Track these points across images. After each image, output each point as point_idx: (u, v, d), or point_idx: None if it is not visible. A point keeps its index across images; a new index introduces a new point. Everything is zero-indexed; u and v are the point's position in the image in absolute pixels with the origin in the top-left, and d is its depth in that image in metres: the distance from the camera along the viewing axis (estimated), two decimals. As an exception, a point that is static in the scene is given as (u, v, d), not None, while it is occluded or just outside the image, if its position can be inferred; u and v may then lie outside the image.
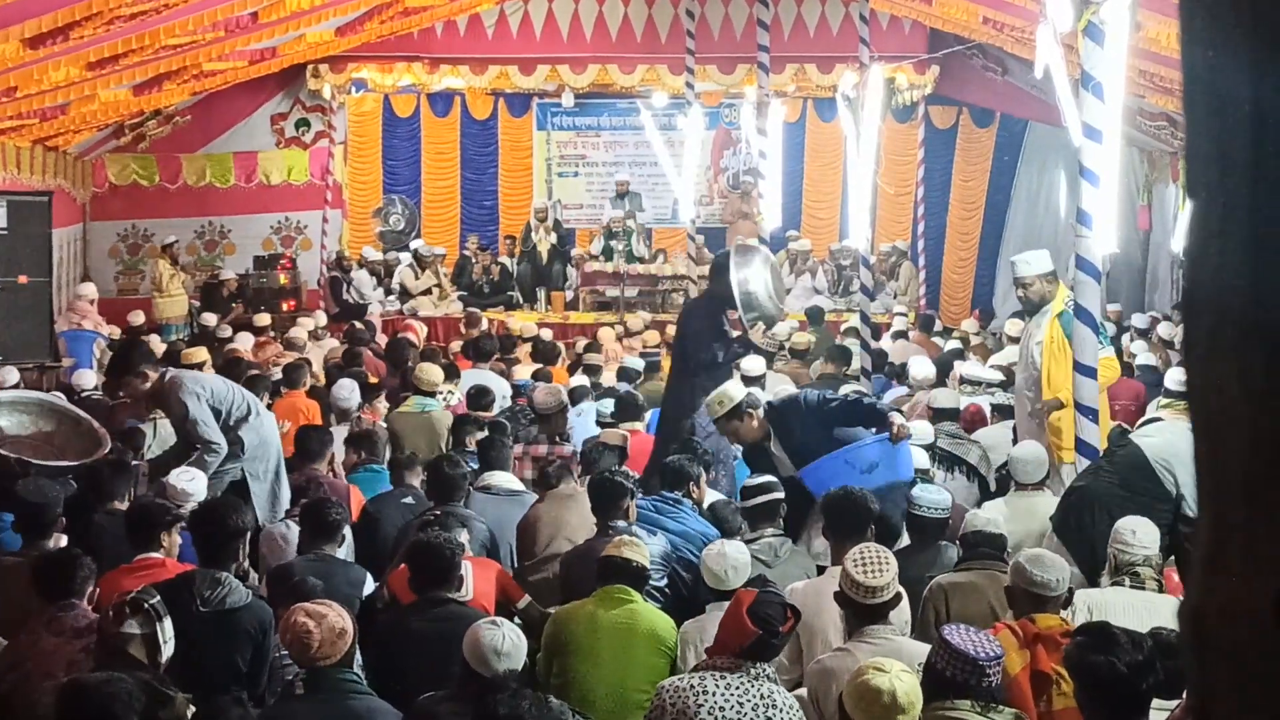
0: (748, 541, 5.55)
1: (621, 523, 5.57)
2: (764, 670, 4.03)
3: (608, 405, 8.58)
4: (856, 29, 12.87)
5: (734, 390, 6.77)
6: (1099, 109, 6.17)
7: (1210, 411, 0.92)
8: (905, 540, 5.87)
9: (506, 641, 4.02)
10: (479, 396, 8.58)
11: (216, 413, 6.56)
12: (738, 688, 3.95)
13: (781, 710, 3.96)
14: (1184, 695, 3.54)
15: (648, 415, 8.82)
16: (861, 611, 4.34)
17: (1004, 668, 4.13)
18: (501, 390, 9.57)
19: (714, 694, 3.92)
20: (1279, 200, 0.84)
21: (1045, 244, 16.64)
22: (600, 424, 8.25)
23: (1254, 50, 0.82)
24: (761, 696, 3.94)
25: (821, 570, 5.48)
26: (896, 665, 3.56)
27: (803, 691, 4.41)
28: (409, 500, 6.37)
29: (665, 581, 5.52)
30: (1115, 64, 6.19)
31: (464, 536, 5.22)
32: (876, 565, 4.32)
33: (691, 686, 3.97)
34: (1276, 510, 0.87)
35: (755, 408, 6.62)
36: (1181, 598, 4.03)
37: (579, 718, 4.12)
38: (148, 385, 6.66)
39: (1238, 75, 0.84)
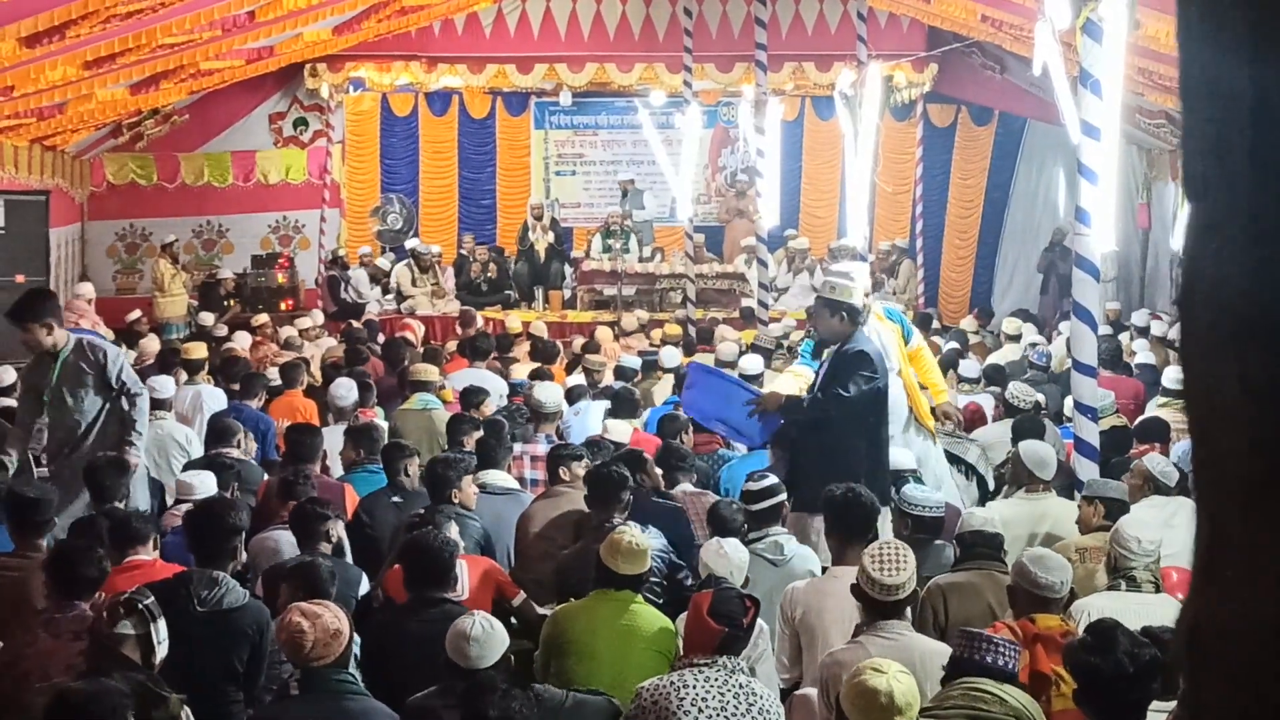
0: (753, 540, 5.51)
1: (617, 517, 5.53)
2: (738, 664, 4.09)
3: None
4: (855, 27, 12.89)
5: (858, 290, 6.52)
6: (1098, 107, 6.16)
7: (1208, 412, 0.87)
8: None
9: (477, 628, 4.01)
10: (470, 396, 8.55)
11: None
12: (716, 680, 3.99)
13: (761, 697, 4.02)
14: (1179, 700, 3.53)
15: (645, 414, 8.83)
16: (878, 607, 4.33)
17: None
18: (498, 389, 9.55)
19: (694, 686, 3.97)
20: (1280, 192, 0.80)
21: (1043, 242, 16.75)
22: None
23: (1254, 37, 0.79)
24: (740, 686, 4.01)
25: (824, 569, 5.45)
26: (894, 666, 3.55)
27: (811, 691, 4.41)
28: (397, 499, 6.35)
29: (663, 574, 5.49)
30: (1114, 62, 6.18)
31: (453, 532, 5.18)
32: (895, 563, 4.32)
33: (671, 683, 4.01)
34: (1278, 517, 0.82)
35: (860, 316, 6.49)
36: (1180, 597, 4.03)
37: (576, 693, 4.11)
38: (50, 339, 6.72)
39: (1237, 64, 0.80)
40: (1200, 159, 0.84)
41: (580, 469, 6.35)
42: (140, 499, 6.65)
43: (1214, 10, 0.82)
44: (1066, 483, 6.72)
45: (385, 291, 15.93)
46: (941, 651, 4.29)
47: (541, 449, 7.49)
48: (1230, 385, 0.83)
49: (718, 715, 3.92)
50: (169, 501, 6.98)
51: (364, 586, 5.42)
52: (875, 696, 3.42)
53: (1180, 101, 0.86)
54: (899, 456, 6.46)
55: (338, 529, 5.58)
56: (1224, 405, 0.84)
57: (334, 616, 4.01)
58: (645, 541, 4.91)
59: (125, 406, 6.83)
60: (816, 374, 6.63)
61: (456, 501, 5.97)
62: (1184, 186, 0.87)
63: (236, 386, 9.18)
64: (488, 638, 4.01)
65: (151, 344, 11.56)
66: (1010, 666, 3.79)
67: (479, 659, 3.97)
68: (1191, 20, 0.84)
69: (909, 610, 4.79)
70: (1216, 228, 0.83)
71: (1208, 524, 0.88)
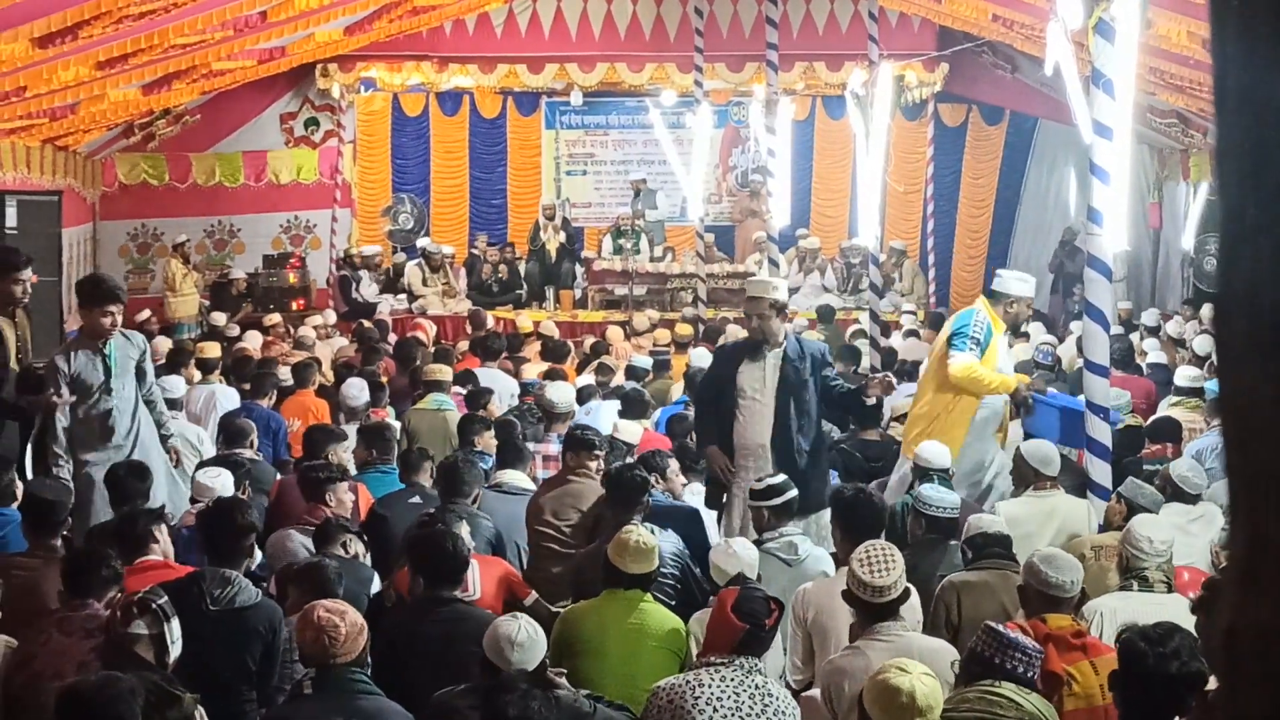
0: (766, 539, 5.50)
1: (636, 519, 5.53)
2: (756, 664, 4.08)
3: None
4: (865, 27, 12.84)
5: (782, 287, 6.92)
6: (1109, 106, 6.14)
7: (1243, 418, 0.87)
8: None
9: (522, 633, 4.00)
10: (476, 397, 8.56)
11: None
12: (732, 680, 3.98)
13: (777, 699, 4.00)
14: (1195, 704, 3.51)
15: (655, 413, 8.83)
16: (870, 610, 4.31)
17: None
18: (509, 389, 9.56)
19: (709, 686, 3.96)
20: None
21: (1054, 241, 16.72)
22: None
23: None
24: (756, 686, 4.00)
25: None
26: (919, 667, 3.53)
27: (815, 692, 4.39)
28: (417, 500, 6.36)
29: (676, 578, 5.49)
30: (1126, 61, 6.16)
31: (464, 531, 5.18)
32: (882, 564, 4.29)
33: (687, 682, 4.01)
34: None
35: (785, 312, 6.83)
36: (1192, 596, 4.00)
37: (600, 704, 4.10)
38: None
39: (1273, 76, 0.80)
40: (1235, 170, 0.83)
41: (592, 462, 6.34)
42: (160, 497, 6.64)
43: (1250, 22, 0.81)
44: (1079, 482, 6.69)
45: (395, 291, 15.94)
46: (941, 649, 4.28)
47: (554, 449, 7.50)
48: (1265, 393, 0.83)
49: (732, 715, 3.91)
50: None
51: (375, 585, 5.43)
52: (896, 695, 3.41)
53: (1214, 112, 0.85)
54: (931, 454, 6.44)
55: (356, 545, 5.58)
56: (1259, 413, 0.84)
57: (356, 614, 4.03)
58: (652, 540, 4.91)
59: (149, 398, 6.74)
60: (785, 374, 6.64)
61: (468, 501, 5.98)
62: (1218, 194, 0.86)
63: (248, 386, 9.21)
64: (531, 643, 4.00)
65: (162, 344, 11.57)
66: (1032, 675, 3.77)
67: (520, 663, 3.95)
68: (1226, 32, 0.83)
69: (916, 609, 4.80)
70: (1251, 238, 0.83)
71: (1244, 529, 0.88)
